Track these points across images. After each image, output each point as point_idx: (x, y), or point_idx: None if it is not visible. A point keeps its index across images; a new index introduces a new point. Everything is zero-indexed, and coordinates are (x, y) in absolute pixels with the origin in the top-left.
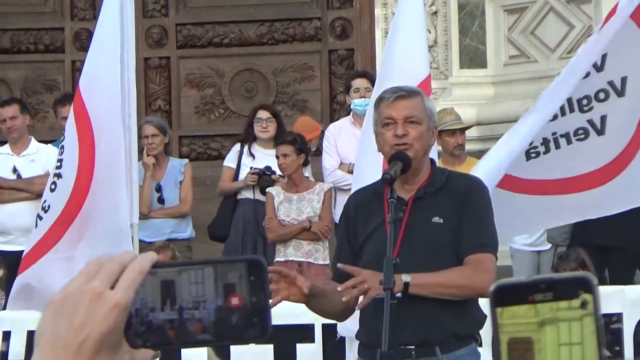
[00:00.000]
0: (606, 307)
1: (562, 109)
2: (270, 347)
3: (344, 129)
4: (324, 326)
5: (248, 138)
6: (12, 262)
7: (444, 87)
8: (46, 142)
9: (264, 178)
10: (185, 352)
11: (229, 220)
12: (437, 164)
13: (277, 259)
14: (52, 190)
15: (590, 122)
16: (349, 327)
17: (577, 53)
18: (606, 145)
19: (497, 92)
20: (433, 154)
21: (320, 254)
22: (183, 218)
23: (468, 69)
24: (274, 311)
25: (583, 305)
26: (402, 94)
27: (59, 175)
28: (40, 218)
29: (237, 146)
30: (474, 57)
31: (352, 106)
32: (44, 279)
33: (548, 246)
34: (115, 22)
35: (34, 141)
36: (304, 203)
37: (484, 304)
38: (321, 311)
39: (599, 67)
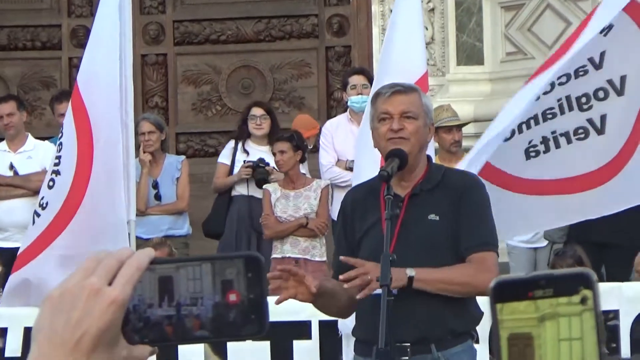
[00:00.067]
0: (603, 304)
1: (560, 106)
2: (267, 344)
3: (341, 126)
4: (320, 323)
5: (242, 135)
6: (9, 258)
7: (441, 84)
8: (43, 138)
9: (258, 170)
10: (182, 349)
11: (223, 217)
12: (434, 161)
13: (273, 255)
14: (50, 187)
15: (590, 121)
16: (348, 325)
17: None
18: (606, 145)
19: (494, 89)
20: (430, 150)
21: (317, 251)
22: (180, 215)
23: (465, 66)
24: (271, 308)
25: (583, 301)
26: (398, 89)
27: (57, 172)
28: (38, 215)
29: (232, 143)
30: (471, 54)
31: (349, 103)
32: (42, 275)
33: (544, 243)
34: (112, 19)
35: (30, 138)
36: (300, 200)
37: (483, 302)
38: (326, 309)
39: (597, 65)
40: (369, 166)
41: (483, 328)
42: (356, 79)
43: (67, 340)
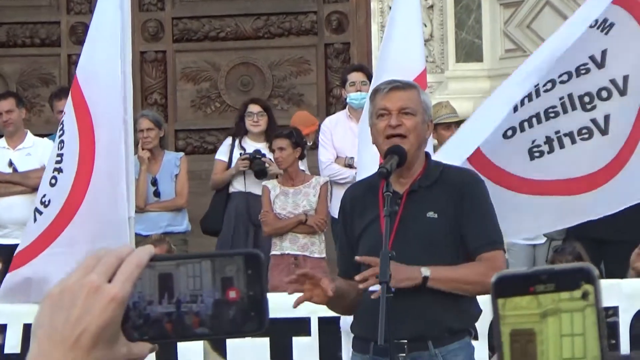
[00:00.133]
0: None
1: (563, 105)
2: (266, 341)
3: (340, 123)
4: (320, 319)
5: (239, 132)
6: (8, 255)
7: (440, 80)
8: (42, 135)
9: (255, 162)
10: (182, 346)
11: (221, 214)
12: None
13: (273, 252)
14: (52, 185)
15: (593, 121)
16: (348, 322)
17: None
18: (609, 145)
19: (493, 86)
20: (429, 147)
21: (316, 247)
22: (179, 211)
23: (464, 63)
24: (270, 305)
25: (584, 296)
26: (397, 85)
27: (59, 170)
28: (40, 212)
29: (229, 140)
30: (470, 51)
31: (348, 100)
32: (44, 272)
33: (543, 240)
34: (111, 16)
35: (30, 135)
36: (300, 197)
37: (483, 301)
38: (334, 307)
39: (599, 64)
40: (372, 163)
41: (482, 324)
42: (355, 76)
43: (67, 338)
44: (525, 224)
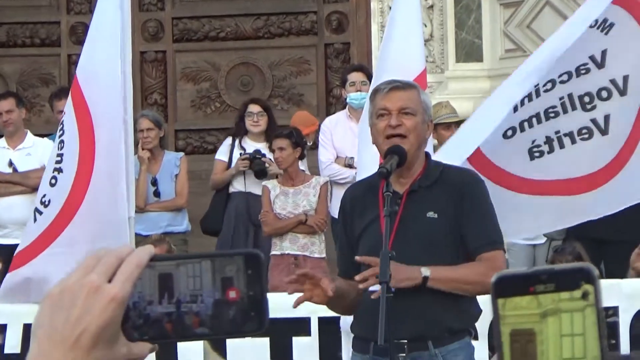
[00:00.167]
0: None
1: (563, 105)
2: (266, 341)
3: (340, 123)
4: (320, 319)
5: (239, 132)
6: (8, 255)
7: (440, 80)
8: (42, 135)
9: (255, 161)
10: (182, 346)
11: (221, 214)
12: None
13: (273, 252)
14: (52, 185)
15: (593, 121)
16: (348, 322)
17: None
18: (609, 145)
19: (493, 86)
20: (429, 147)
21: (316, 247)
22: (179, 211)
23: (464, 63)
24: (270, 304)
25: (584, 296)
26: (397, 85)
27: (59, 170)
28: (40, 212)
29: (229, 140)
30: (470, 51)
31: (348, 100)
32: (44, 272)
33: (543, 240)
34: (111, 16)
35: (30, 135)
36: (300, 197)
37: (483, 301)
38: (334, 307)
39: (599, 63)
40: (372, 163)
41: (482, 324)
42: (355, 76)
43: (67, 338)
44: (525, 224)
